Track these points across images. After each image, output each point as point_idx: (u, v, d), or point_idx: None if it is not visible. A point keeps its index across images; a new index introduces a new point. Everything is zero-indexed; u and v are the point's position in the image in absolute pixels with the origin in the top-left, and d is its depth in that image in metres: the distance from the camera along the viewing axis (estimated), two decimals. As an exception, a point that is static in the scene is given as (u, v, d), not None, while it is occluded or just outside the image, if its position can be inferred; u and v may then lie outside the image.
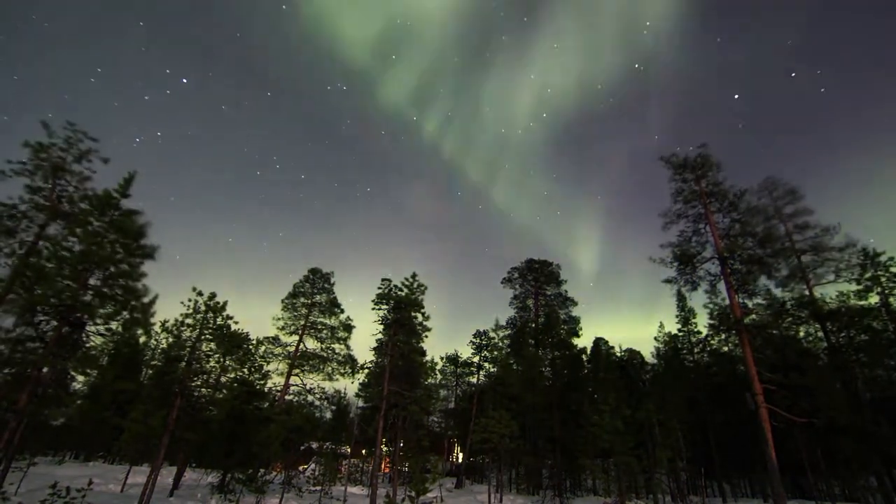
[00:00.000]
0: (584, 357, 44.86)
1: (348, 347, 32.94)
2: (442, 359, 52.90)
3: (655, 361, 44.40)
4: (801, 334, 29.50)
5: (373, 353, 32.13)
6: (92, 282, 16.25)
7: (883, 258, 26.60)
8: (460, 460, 46.32)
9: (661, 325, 44.74)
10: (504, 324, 45.91)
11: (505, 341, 45.10)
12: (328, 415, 45.84)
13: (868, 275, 26.56)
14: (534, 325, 43.94)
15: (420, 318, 27.00)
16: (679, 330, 41.44)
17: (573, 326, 42.89)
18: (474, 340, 48.53)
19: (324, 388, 31.60)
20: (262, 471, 23.41)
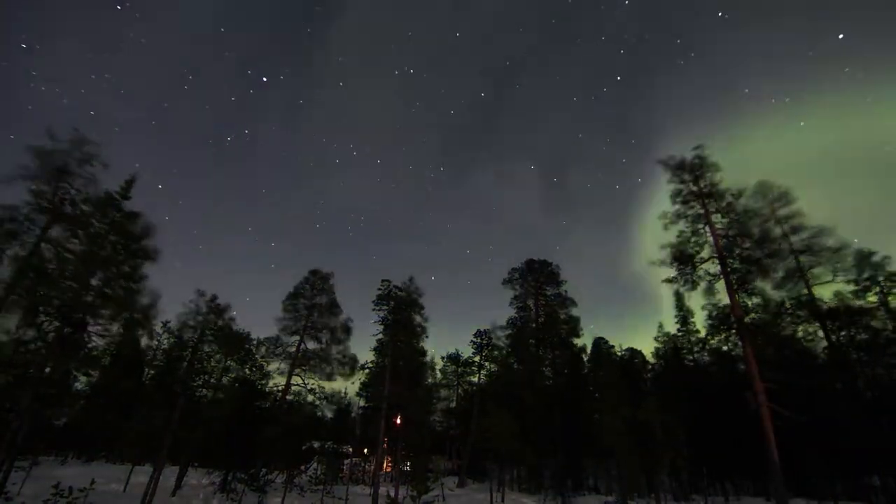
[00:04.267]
0: (584, 357, 44.92)
1: (349, 347, 33.06)
2: (443, 358, 53.09)
3: (655, 361, 44.47)
4: (801, 333, 29.47)
5: (373, 353, 32.25)
6: (94, 283, 16.38)
7: (876, 258, 26.78)
8: (462, 460, 46.36)
9: (661, 325, 44.82)
10: (504, 324, 45.96)
11: (505, 341, 45.13)
12: (329, 415, 46.03)
13: (866, 275, 26.63)
14: (534, 325, 43.94)
15: (419, 318, 27.09)
16: (678, 330, 41.50)
17: (573, 326, 42.86)
18: (475, 340, 48.64)
19: (325, 389, 31.66)
20: (263, 470, 23.49)
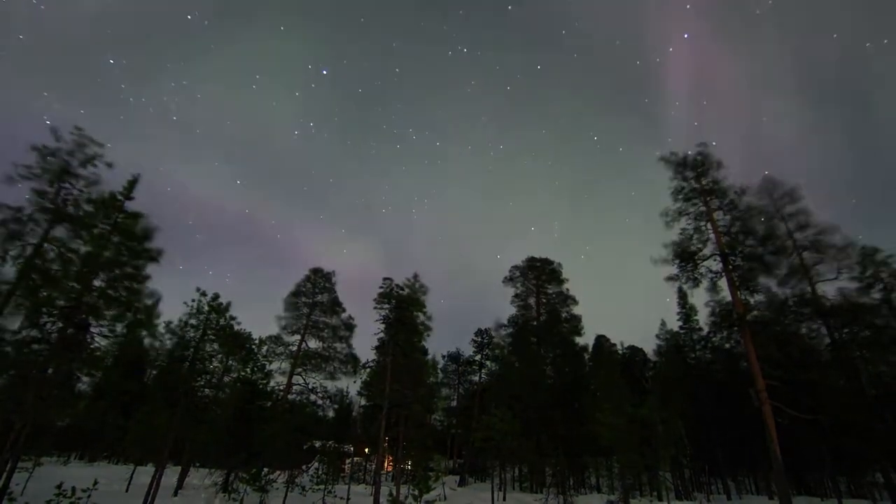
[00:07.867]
0: (585, 355, 44.91)
1: (350, 346, 33.02)
2: (444, 357, 53.14)
3: (657, 359, 44.43)
4: (804, 331, 29.42)
5: (375, 352, 32.26)
6: (97, 284, 16.38)
7: (881, 255, 26.68)
8: (463, 459, 46.40)
9: (663, 323, 44.77)
10: (505, 322, 45.94)
11: (507, 340, 45.10)
12: (331, 414, 45.98)
13: (869, 272, 26.52)
14: (535, 324, 43.92)
15: (421, 317, 27.03)
16: (680, 327, 41.43)
17: (575, 325, 42.84)
18: (476, 339, 48.63)
19: (326, 388, 31.65)
20: (265, 470, 23.50)
